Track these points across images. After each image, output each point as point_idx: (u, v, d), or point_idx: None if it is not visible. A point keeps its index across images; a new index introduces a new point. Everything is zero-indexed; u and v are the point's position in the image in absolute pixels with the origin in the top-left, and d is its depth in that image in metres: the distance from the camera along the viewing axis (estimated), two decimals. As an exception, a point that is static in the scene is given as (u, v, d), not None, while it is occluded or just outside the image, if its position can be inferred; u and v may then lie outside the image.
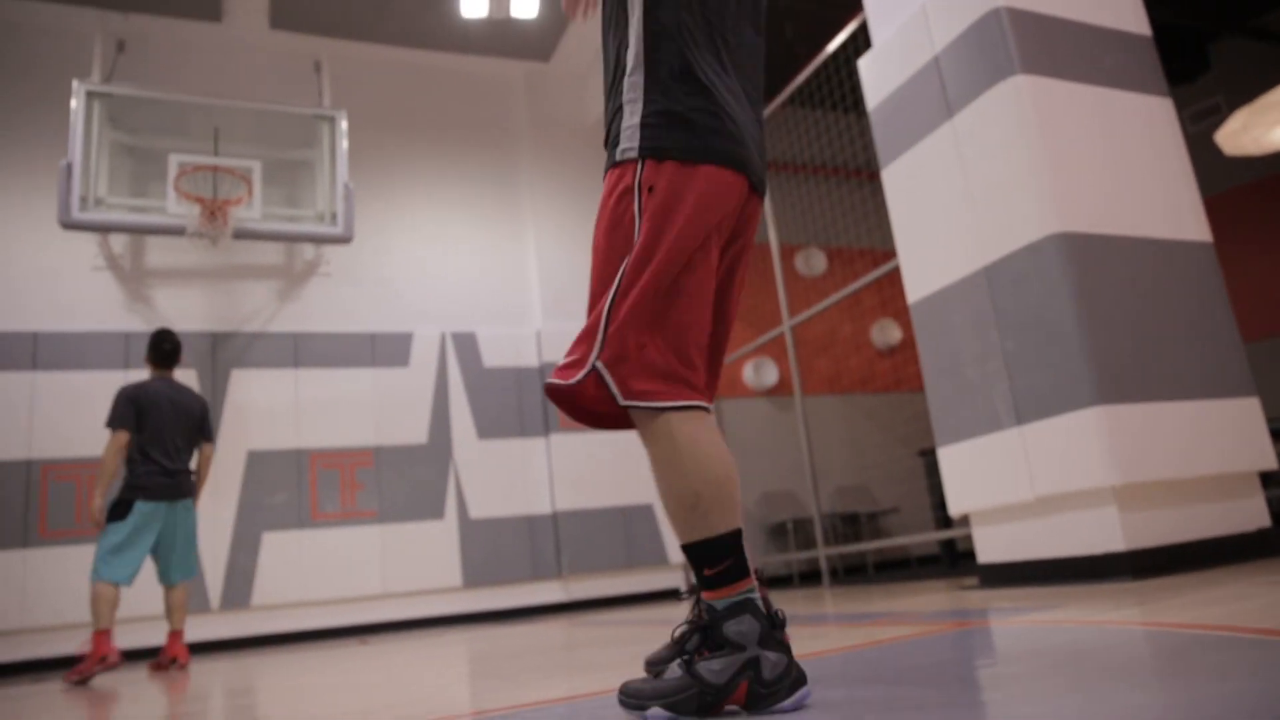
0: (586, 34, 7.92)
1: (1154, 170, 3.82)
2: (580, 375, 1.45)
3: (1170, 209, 3.78)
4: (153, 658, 4.99)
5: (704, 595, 1.44)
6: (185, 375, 6.51)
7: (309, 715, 2.15)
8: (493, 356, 7.52)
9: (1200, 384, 3.56)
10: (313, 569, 6.58)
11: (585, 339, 1.48)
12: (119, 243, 6.83)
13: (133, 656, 5.90)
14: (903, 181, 4.30)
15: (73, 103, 6.33)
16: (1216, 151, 6.68)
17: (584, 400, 1.49)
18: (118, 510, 4.44)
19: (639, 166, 1.50)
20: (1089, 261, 3.49)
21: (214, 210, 6.52)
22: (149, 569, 4.78)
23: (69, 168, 6.17)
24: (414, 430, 7.14)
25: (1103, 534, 3.35)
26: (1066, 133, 3.66)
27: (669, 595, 7.49)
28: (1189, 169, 3.91)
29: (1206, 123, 7.93)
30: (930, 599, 3.78)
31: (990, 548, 3.91)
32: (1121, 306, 3.50)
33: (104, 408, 4.73)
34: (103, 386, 5.84)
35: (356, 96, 7.68)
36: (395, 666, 3.43)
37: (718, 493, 1.41)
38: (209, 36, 7.44)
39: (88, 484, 6.00)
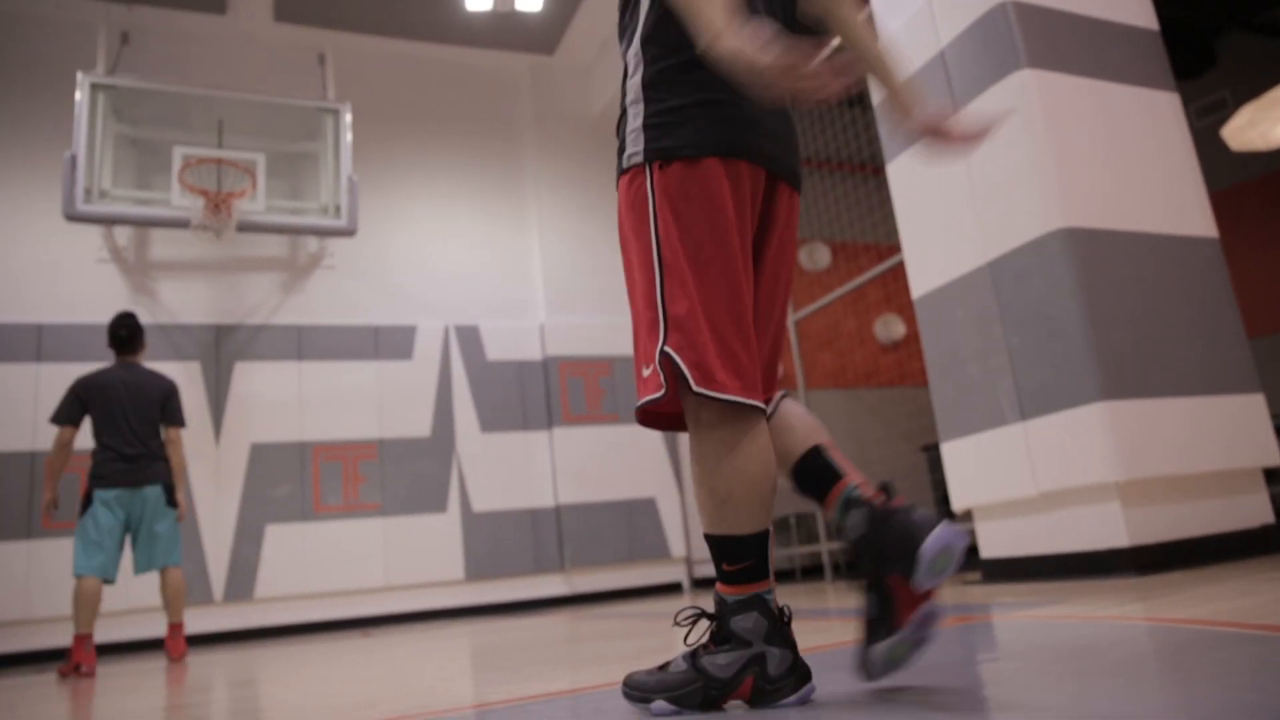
0: (591, 28, 7.90)
1: (1159, 165, 3.81)
2: (661, 383, 1.39)
3: (1176, 204, 3.78)
4: (157, 650, 5.00)
5: (718, 586, 1.44)
6: (189, 368, 6.53)
7: (312, 707, 2.16)
8: (496, 350, 7.53)
9: (1204, 380, 3.56)
10: (316, 561, 6.59)
11: (646, 345, 1.43)
12: (123, 235, 6.84)
13: (136, 649, 5.93)
14: (907, 176, 4.29)
15: (77, 95, 6.33)
16: (1222, 147, 6.66)
17: (663, 406, 1.45)
18: (84, 503, 4.43)
19: (647, 172, 1.45)
20: (1094, 257, 3.48)
21: (218, 203, 6.52)
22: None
23: (73, 160, 6.17)
24: (417, 423, 7.14)
25: (1106, 529, 3.35)
26: (1072, 127, 3.65)
27: (672, 589, 7.50)
28: (1195, 164, 3.90)
29: (1212, 118, 7.90)
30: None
31: (993, 543, 3.91)
32: (1126, 302, 3.50)
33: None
34: (107, 378, 5.84)
35: (361, 89, 7.68)
36: (398, 659, 3.44)
37: (751, 492, 1.39)
38: (213, 28, 7.43)
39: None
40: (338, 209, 7.03)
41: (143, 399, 4.60)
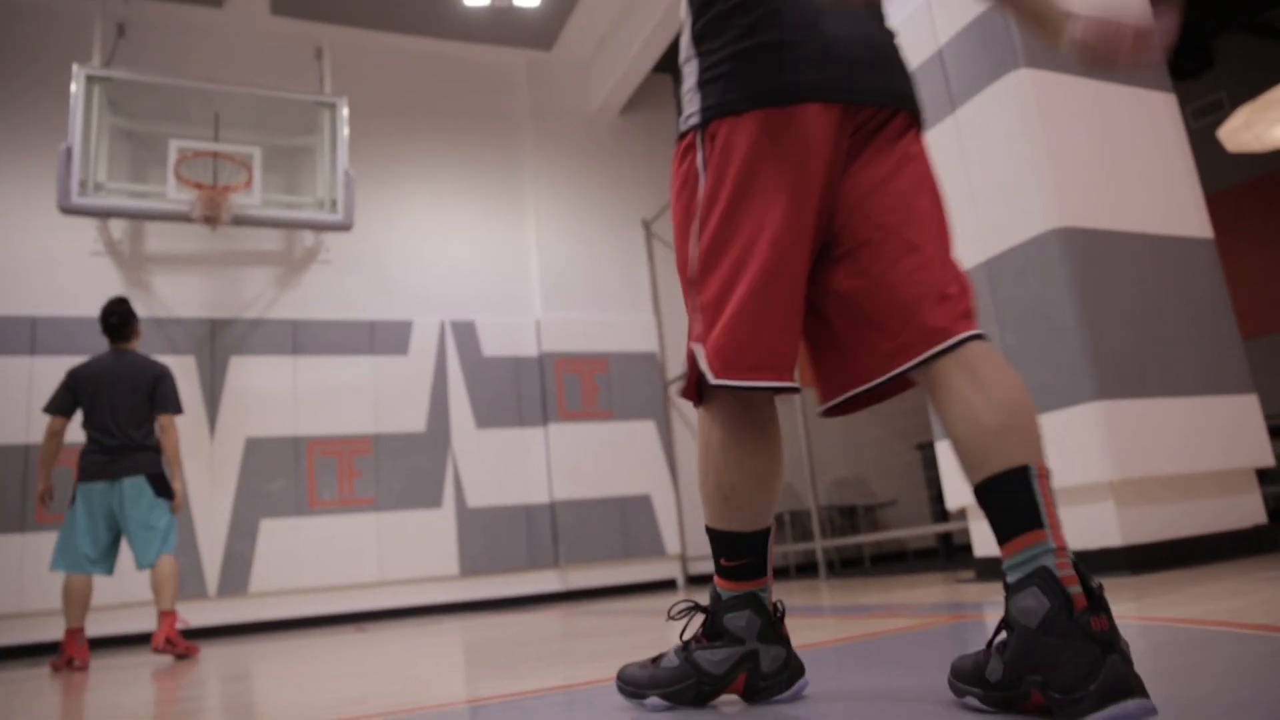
0: (589, 23, 7.89)
1: (1156, 166, 3.81)
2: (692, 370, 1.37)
3: (1172, 205, 3.78)
4: (148, 643, 4.98)
5: (715, 580, 1.43)
6: (184, 361, 6.51)
7: (305, 702, 2.16)
8: (492, 345, 7.52)
9: (1199, 380, 3.57)
10: (310, 556, 6.58)
11: (693, 324, 1.39)
12: (118, 228, 6.82)
13: (130, 643, 5.92)
14: (904, 174, 4.28)
15: (73, 87, 6.30)
16: (1219, 148, 6.66)
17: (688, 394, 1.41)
18: (72, 497, 4.36)
19: (698, 136, 1.36)
20: (1090, 257, 3.49)
21: (214, 196, 6.51)
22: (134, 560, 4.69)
23: (68, 152, 6.15)
24: (412, 418, 7.14)
25: (1100, 529, 3.36)
26: (1069, 127, 3.65)
27: (666, 585, 7.50)
28: (1191, 165, 3.91)
29: (1209, 119, 7.91)
30: (926, 592, 3.79)
31: (987, 541, 3.91)
32: (1122, 302, 3.50)
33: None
34: (101, 372, 5.83)
35: (358, 83, 7.65)
36: (392, 654, 3.44)
37: (755, 489, 1.37)
38: (210, 21, 7.41)
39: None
40: (334, 203, 7.02)
41: (130, 387, 4.45)
